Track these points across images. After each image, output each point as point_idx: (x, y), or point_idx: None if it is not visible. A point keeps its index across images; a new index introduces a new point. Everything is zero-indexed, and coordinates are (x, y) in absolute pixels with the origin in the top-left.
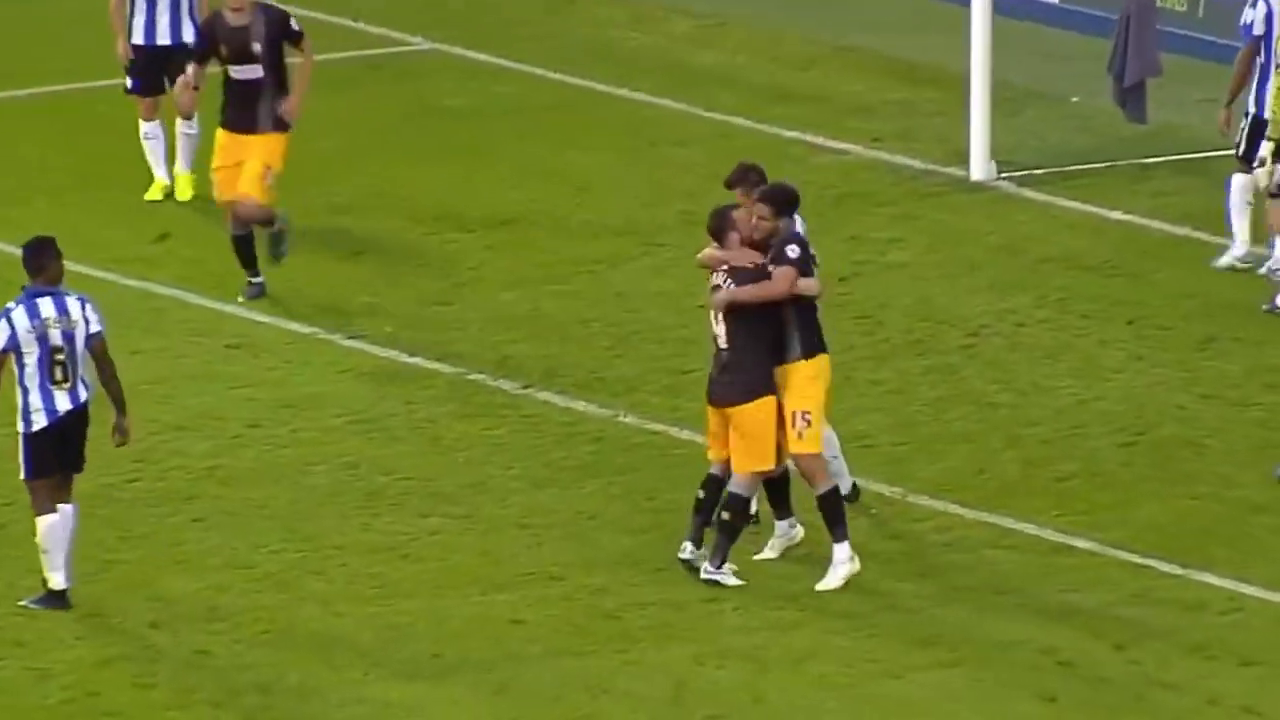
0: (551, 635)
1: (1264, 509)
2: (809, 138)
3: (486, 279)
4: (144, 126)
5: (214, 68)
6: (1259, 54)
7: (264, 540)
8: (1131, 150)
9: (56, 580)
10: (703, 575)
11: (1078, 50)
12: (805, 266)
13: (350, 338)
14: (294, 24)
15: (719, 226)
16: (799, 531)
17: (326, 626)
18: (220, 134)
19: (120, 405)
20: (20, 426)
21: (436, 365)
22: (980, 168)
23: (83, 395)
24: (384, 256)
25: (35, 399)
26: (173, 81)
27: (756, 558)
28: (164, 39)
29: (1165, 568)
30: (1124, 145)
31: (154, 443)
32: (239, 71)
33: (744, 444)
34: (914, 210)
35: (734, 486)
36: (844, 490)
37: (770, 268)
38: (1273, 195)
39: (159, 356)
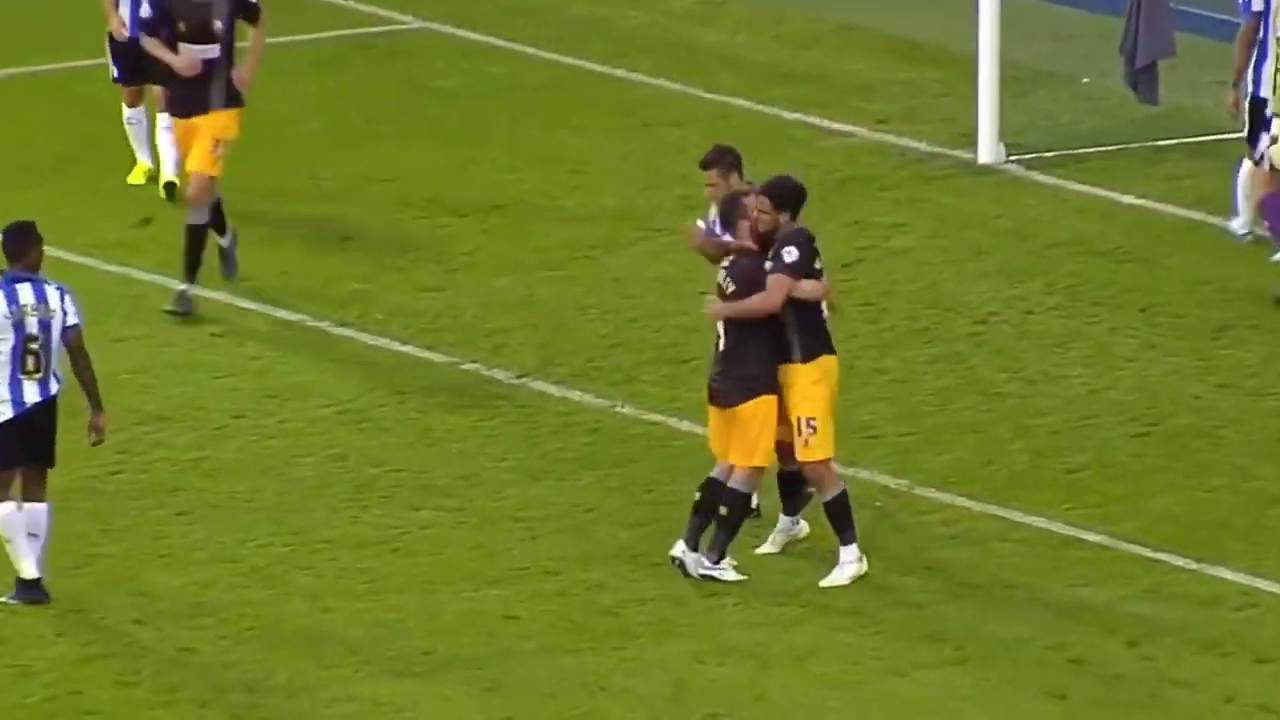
0: (547, 631)
1: None
2: (811, 119)
3: (479, 265)
4: (127, 112)
5: None
6: (1259, 31)
7: (250, 534)
8: (1144, 132)
9: (26, 569)
10: (700, 571)
11: (1088, 29)
12: (804, 269)
13: (339, 326)
14: None
15: (730, 213)
16: (803, 527)
17: (315, 622)
18: (175, 126)
19: (96, 401)
20: None
21: (428, 354)
22: (988, 150)
23: (53, 388)
24: (373, 242)
25: (2, 389)
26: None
27: (758, 552)
28: None
29: (1179, 562)
30: (1136, 127)
31: (136, 434)
32: (195, 51)
33: (742, 441)
34: (920, 194)
35: (734, 482)
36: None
37: (768, 267)
38: (1273, 169)
39: (141, 345)
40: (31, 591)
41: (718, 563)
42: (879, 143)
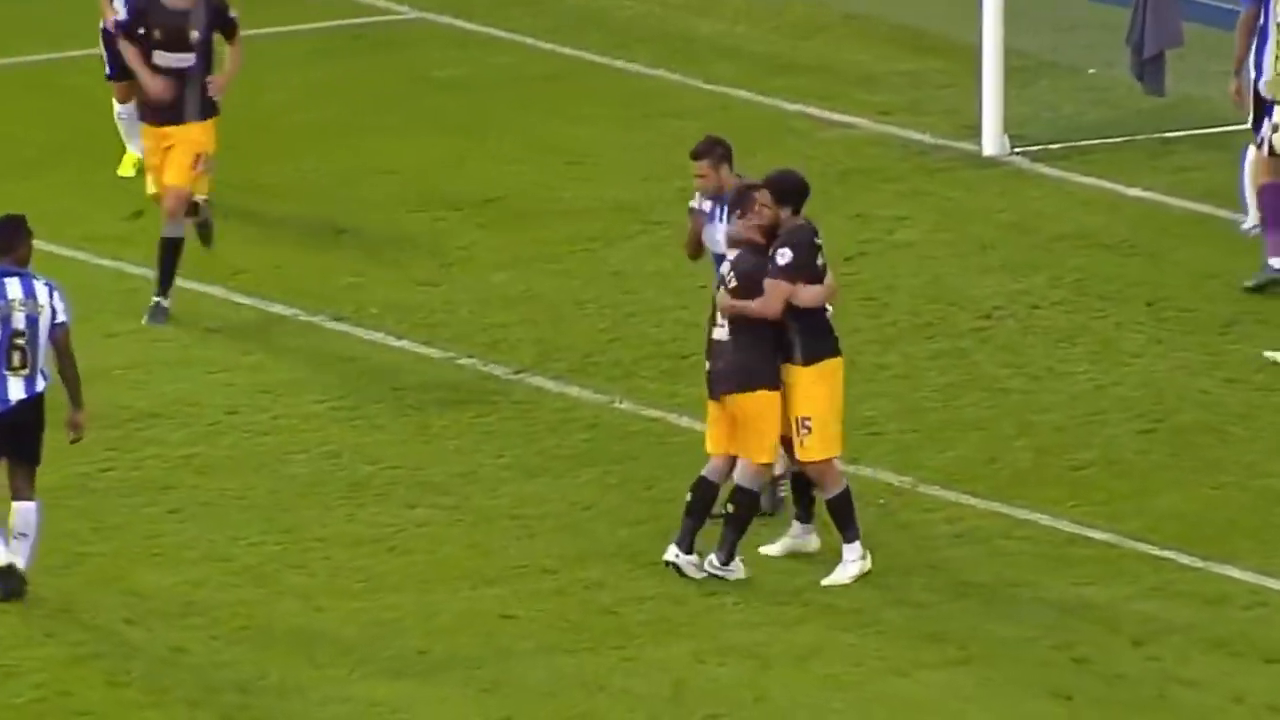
0: (544, 631)
1: None
2: (812, 110)
3: (476, 259)
4: (119, 108)
5: None
6: (1260, 18)
7: (243, 532)
8: (1151, 124)
9: None
10: (706, 567)
11: (1093, 19)
12: (802, 272)
13: (333, 320)
14: (231, 12)
15: (740, 204)
16: (813, 541)
17: (308, 622)
18: (145, 133)
19: (76, 400)
20: None
21: (424, 349)
22: (992, 142)
23: (39, 385)
24: (369, 235)
25: None
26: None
27: (762, 551)
28: None
29: (1186, 560)
30: (1143, 119)
31: (128, 430)
32: (169, 59)
33: (743, 434)
34: (923, 187)
35: (741, 479)
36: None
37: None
38: (1272, 153)
39: (133, 340)
40: (9, 581)
41: (727, 563)
42: (881, 134)
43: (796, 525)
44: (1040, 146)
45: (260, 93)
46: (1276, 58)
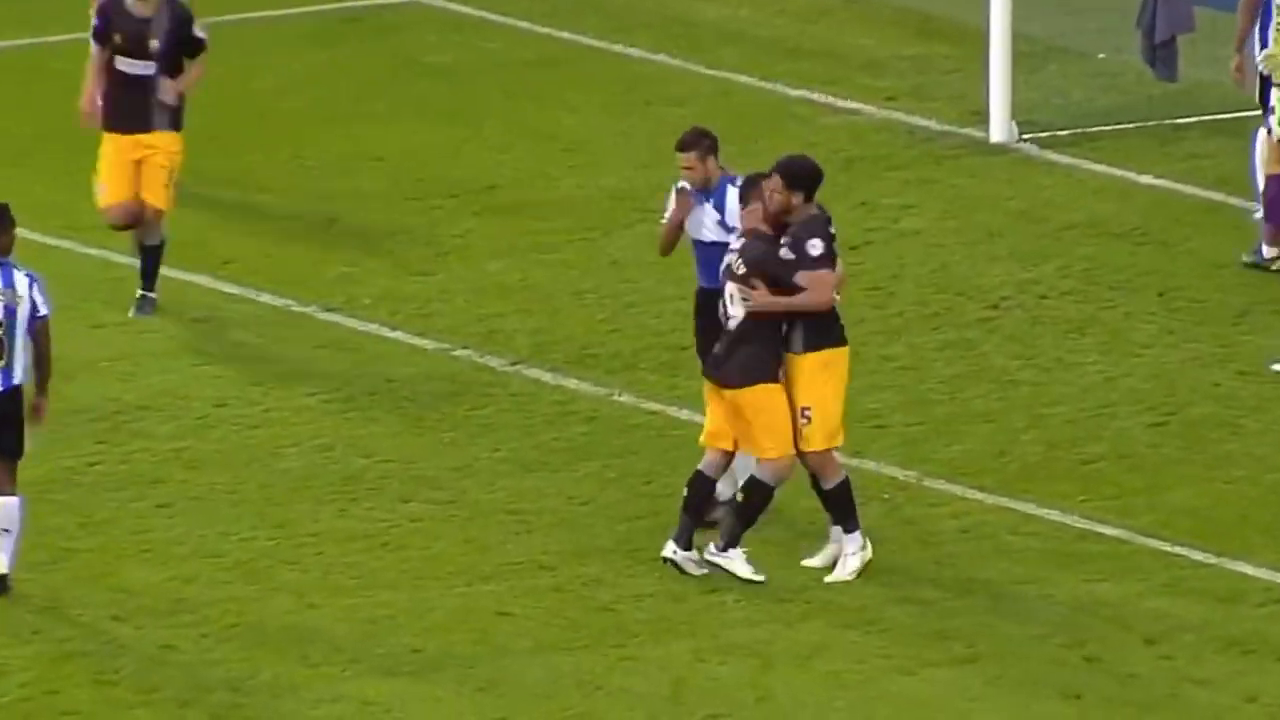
0: (541, 629)
1: None
2: (816, 96)
3: (471, 248)
4: None
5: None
6: None
7: (233, 527)
8: (1161, 110)
9: None
10: (706, 555)
11: (1103, 3)
12: (833, 259)
13: (325, 311)
14: (198, 30)
15: (747, 194)
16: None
17: (300, 619)
18: (106, 141)
19: (43, 388)
20: None
21: (418, 340)
22: (1000, 129)
23: (17, 377)
24: (361, 224)
25: None
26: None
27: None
28: None
29: (1198, 556)
30: (1153, 105)
31: (116, 423)
32: (131, 65)
33: (749, 430)
34: (929, 174)
35: (759, 472)
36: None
37: (783, 255)
38: None
39: (120, 331)
40: None
41: (725, 549)
42: (887, 121)
43: (834, 529)
44: (1049, 133)
45: (250, 78)
46: (1275, 40)
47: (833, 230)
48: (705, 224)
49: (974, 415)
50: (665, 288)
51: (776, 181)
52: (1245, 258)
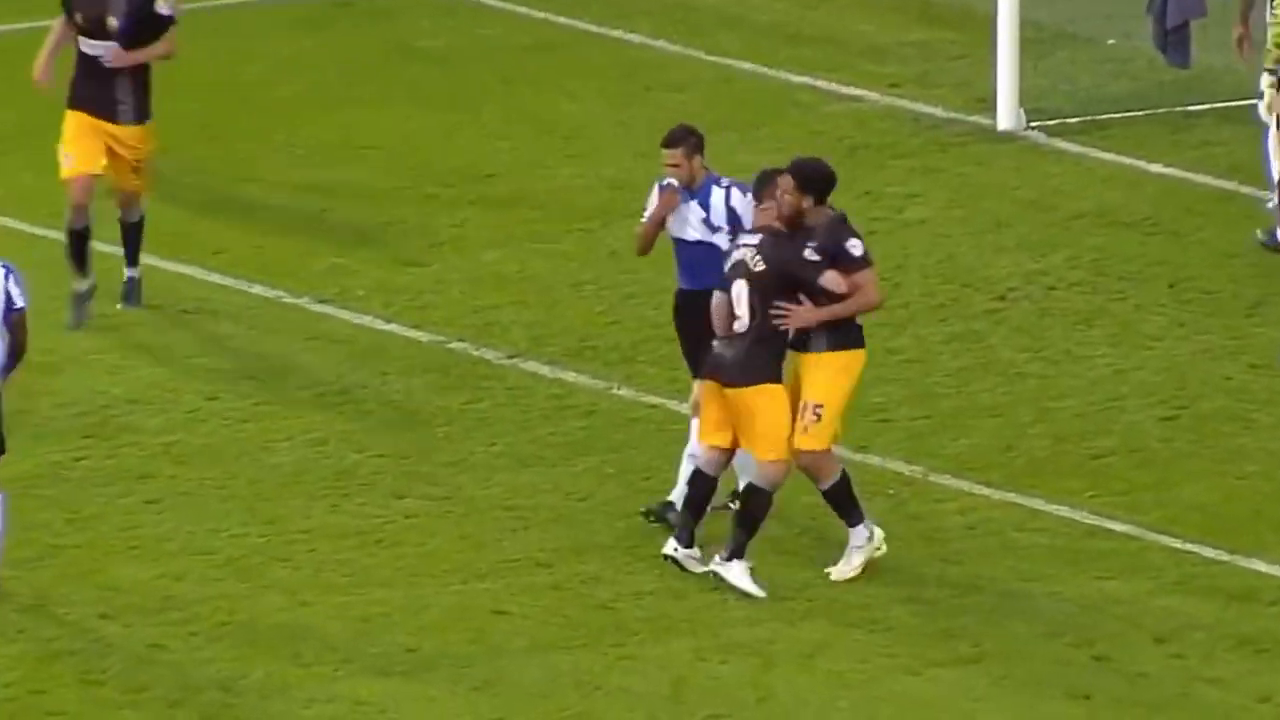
0: (539, 627)
1: None
2: (819, 83)
3: (467, 238)
4: None
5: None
6: None
7: (224, 524)
8: (1173, 97)
9: None
10: (711, 566)
11: None
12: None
13: (317, 302)
14: (163, 7)
15: (760, 190)
16: (878, 534)
17: (292, 617)
18: (70, 116)
19: (7, 374)
20: None
21: (413, 332)
22: (1007, 116)
23: None
24: (355, 214)
25: None
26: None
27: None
28: None
29: (1210, 553)
30: (1165, 91)
31: (104, 417)
32: (91, 46)
33: (749, 431)
34: (935, 163)
35: (757, 478)
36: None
37: (810, 256)
38: None
39: (107, 322)
40: None
41: (728, 559)
42: (891, 108)
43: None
44: (1057, 120)
45: (240, 64)
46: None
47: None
48: (689, 222)
49: (981, 409)
50: (665, 279)
51: (788, 182)
52: (1260, 234)
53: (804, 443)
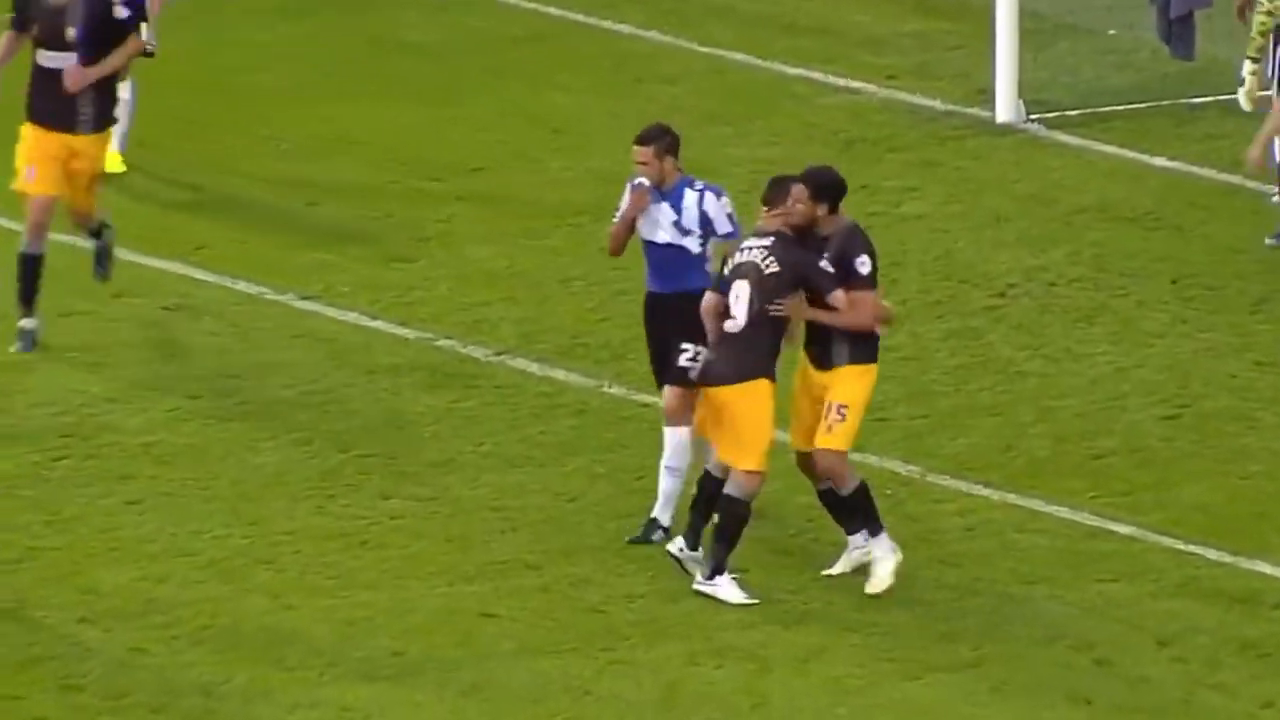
0: (527, 631)
1: None
2: (814, 75)
3: (455, 233)
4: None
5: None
6: None
7: (206, 525)
8: (1176, 89)
9: None
10: (694, 587)
11: None
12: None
13: (302, 299)
14: (121, 11)
15: (773, 197)
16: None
17: (276, 621)
18: (28, 130)
19: None
20: None
21: (399, 330)
22: (1007, 108)
23: None
24: (340, 208)
25: None
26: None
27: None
28: None
29: (1213, 555)
30: (1167, 83)
31: (83, 416)
32: (50, 58)
33: (730, 435)
34: (933, 156)
35: (730, 488)
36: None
37: (822, 264)
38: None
39: (88, 320)
40: None
41: (712, 578)
42: (888, 100)
43: (851, 538)
44: (1058, 113)
45: (220, 53)
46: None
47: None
48: (660, 224)
49: (979, 408)
50: None
51: (801, 191)
52: (1269, 240)
53: (827, 441)
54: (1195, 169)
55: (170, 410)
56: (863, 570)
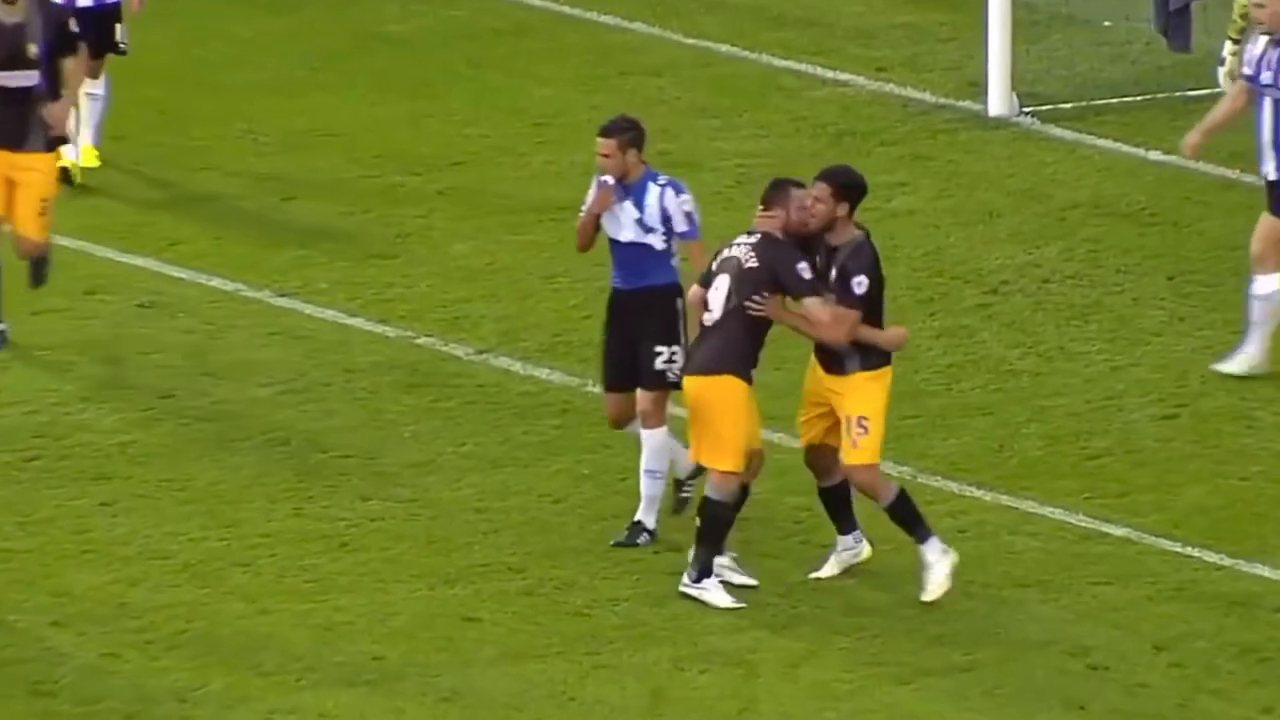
0: (510, 635)
1: None
2: (803, 67)
3: (435, 228)
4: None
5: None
6: None
7: (181, 527)
8: (1173, 82)
9: None
10: (680, 588)
11: None
12: (874, 301)
13: (279, 296)
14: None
15: (772, 198)
16: (865, 549)
17: (253, 625)
18: None
19: None
20: None
21: (378, 327)
22: (999, 101)
23: None
24: (318, 203)
25: None
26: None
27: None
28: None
29: (1211, 558)
30: (1164, 76)
31: (55, 416)
32: (10, 78)
33: (699, 429)
34: (924, 150)
35: (708, 490)
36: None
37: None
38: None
39: (61, 317)
40: None
41: (698, 580)
42: (879, 93)
43: (841, 538)
44: (1052, 106)
45: (197, 47)
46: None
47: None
48: (623, 223)
49: (971, 407)
50: None
51: (823, 190)
52: None
53: (854, 458)
54: (1191, 163)
55: (144, 410)
56: (852, 572)
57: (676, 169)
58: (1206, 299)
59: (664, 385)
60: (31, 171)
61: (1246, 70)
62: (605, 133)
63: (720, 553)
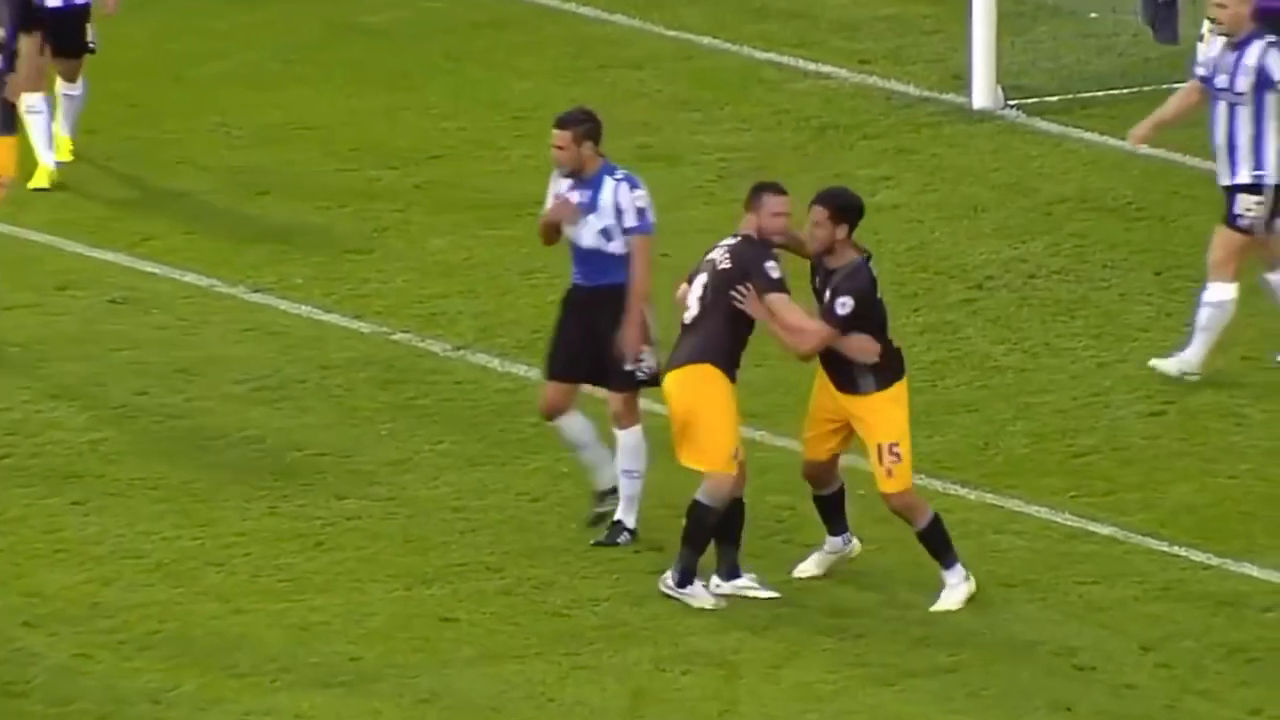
0: (488, 636)
1: None
2: (785, 59)
3: (412, 223)
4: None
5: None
6: None
7: (155, 526)
8: (1160, 74)
9: None
10: (661, 590)
11: None
12: (859, 321)
13: (253, 292)
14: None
15: (752, 200)
16: (855, 546)
17: (227, 625)
18: None
19: None
20: None
21: (354, 323)
22: (984, 94)
23: None
24: (292, 197)
25: None
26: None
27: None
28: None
29: (1199, 557)
30: (1151, 68)
31: (27, 413)
32: None
33: (682, 428)
34: (907, 144)
35: (699, 493)
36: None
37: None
38: None
39: (31, 314)
40: None
41: (681, 584)
42: (861, 86)
43: (830, 540)
44: (1037, 99)
45: (170, 39)
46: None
47: (875, 274)
48: (584, 234)
49: (956, 404)
50: None
51: (821, 214)
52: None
53: (890, 485)
54: (1178, 157)
55: (117, 407)
56: (835, 573)
57: (657, 162)
58: (1194, 294)
59: (634, 385)
60: None
61: (1201, 71)
62: (560, 124)
63: (703, 554)
